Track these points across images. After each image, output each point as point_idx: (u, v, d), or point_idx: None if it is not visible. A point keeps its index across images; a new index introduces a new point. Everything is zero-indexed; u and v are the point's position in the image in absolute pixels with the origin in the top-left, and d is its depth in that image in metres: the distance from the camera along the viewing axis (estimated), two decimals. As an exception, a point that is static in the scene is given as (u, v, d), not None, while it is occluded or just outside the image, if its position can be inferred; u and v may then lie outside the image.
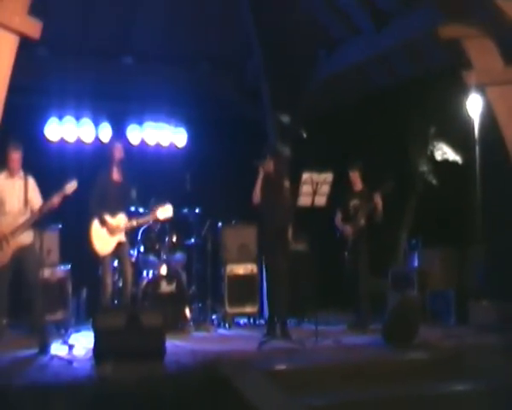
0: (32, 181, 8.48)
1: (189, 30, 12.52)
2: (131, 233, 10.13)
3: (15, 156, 8.36)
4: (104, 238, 9.53)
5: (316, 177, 9.08)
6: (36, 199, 8.44)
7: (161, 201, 9.93)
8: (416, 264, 11.58)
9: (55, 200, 8.30)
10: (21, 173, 8.44)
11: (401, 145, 12.41)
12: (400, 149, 12.41)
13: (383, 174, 10.29)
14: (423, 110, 12.01)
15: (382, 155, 12.17)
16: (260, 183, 9.48)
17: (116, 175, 9.76)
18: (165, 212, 9.90)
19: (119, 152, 9.75)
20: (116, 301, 10.01)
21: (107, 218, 9.53)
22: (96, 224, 9.52)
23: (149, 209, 10.03)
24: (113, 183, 9.71)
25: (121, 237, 9.64)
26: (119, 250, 9.63)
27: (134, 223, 9.82)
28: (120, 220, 9.64)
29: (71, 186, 8.38)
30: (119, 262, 9.86)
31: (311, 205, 9.14)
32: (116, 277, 10.12)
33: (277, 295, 9.47)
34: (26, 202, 8.34)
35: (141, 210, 10.15)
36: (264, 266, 10.77)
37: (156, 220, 10.09)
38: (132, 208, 10.10)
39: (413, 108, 12.09)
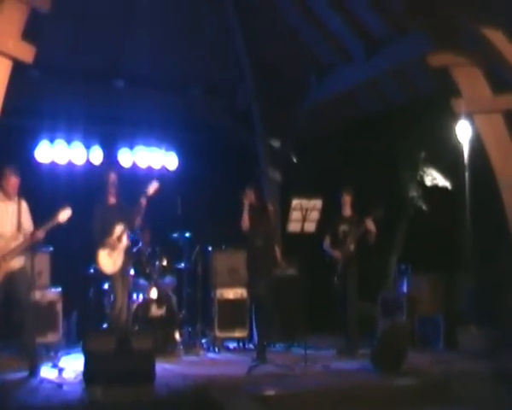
0: (24, 205, 8.49)
1: (180, 54, 12.59)
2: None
3: (14, 181, 8.38)
4: (110, 258, 9.57)
5: (305, 203, 9.12)
6: (27, 223, 8.45)
7: None
8: (405, 289, 11.57)
9: (46, 229, 8.32)
10: (16, 197, 8.44)
11: (391, 170, 12.47)
12: (390, 174, 12.47)
13: (373, 199, 10.33)
14: (413, 136, 12.09)
15: (372, 180, 12.22)
16: (247, 211, 9.68)
17: (112, 199, 9.82)
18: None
19: (113, 180, 9.81)
20: (106, 325, 10.01)
21: (108, 240, 9.55)
22: (101, 253, 9.55)
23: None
24: (110, 207, 9.77)
25: (124, 243, 9.68)
26: (125, 262, 9.66)
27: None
28: (117, 232, 9.62)
29: (65, 214, 8.38)
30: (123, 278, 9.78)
31: (301, 231, 9.19)
32: (106, 300, 10.13)
33: (262, 318, 9.56)
34: (18, 226, 8.34)
35: None
36: (248, 289, 10.86)
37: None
38: None
39: (403, 134, 12.16)
